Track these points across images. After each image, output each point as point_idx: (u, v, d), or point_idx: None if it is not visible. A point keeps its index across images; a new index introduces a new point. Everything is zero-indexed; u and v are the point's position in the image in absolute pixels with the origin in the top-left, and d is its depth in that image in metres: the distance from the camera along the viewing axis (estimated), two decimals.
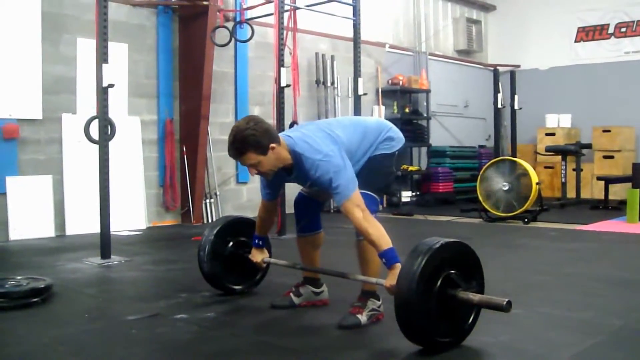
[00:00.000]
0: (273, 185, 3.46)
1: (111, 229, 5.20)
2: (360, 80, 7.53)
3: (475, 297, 2.71)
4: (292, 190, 3.78)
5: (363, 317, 3.16)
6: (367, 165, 3.26)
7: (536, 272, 4.74)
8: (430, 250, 2.66)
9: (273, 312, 3.51)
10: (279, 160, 3.11)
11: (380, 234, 2.96)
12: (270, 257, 3.76)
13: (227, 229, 3.85)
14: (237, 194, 8.42)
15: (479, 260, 2.87)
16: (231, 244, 3.82)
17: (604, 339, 2.98)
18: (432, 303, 2.64)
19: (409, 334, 2.68)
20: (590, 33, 11.71)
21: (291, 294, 3.59)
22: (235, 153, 3.06)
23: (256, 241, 3.67)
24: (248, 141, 3.00)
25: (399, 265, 2.82)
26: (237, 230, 3.88)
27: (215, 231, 3.79)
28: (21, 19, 6.38)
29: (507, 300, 2.62)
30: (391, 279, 2.84)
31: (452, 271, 2.72)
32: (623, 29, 11.34)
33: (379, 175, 3.32)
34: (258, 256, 3.66)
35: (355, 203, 2.99)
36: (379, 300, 3.27)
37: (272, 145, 3.04)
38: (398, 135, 3.38)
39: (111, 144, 5.21)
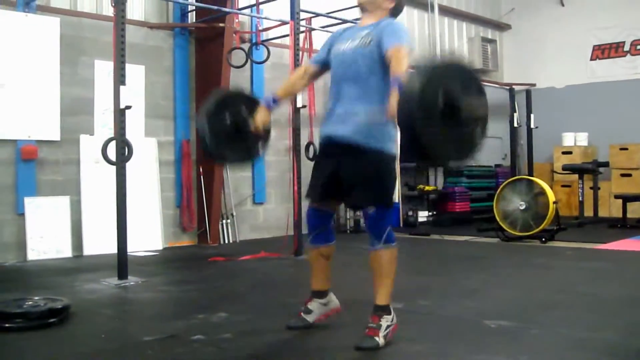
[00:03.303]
0: (328, 52, 3.47)
1: (128, 250, 5.22)
2: None
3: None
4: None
5: (380, 339, 3.15)
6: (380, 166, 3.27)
7: (554, 291, 4.69)
8: (428, 69, 2.62)
9: (289, 333, 3.49)
10: (380, 7, 3.34)
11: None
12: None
13: (228, 99, 3.64)
14: (253, 214, 8.42)
15: (477, 73, 2.85)
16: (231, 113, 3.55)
17: None
18: (435, 117, 2.57)
19: (416, 152, 2.67)
20: (605, 51, 11.67)
21: (302, 314, 3.55)
22: None
23: (270, 99, 3.53)
24: None
25: None
26: (239, 101, 3.64)
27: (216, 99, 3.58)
28: (40, 41, 6.48)
29: None
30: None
31: (453, 86, 2.64)
32: (639, 47, 11.29)
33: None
34: (263, 116, 3.49)
35: (407, 52, 3.08)
36: (390, 314, 3.26)
37: None
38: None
39: (128, 165, 5.24)
